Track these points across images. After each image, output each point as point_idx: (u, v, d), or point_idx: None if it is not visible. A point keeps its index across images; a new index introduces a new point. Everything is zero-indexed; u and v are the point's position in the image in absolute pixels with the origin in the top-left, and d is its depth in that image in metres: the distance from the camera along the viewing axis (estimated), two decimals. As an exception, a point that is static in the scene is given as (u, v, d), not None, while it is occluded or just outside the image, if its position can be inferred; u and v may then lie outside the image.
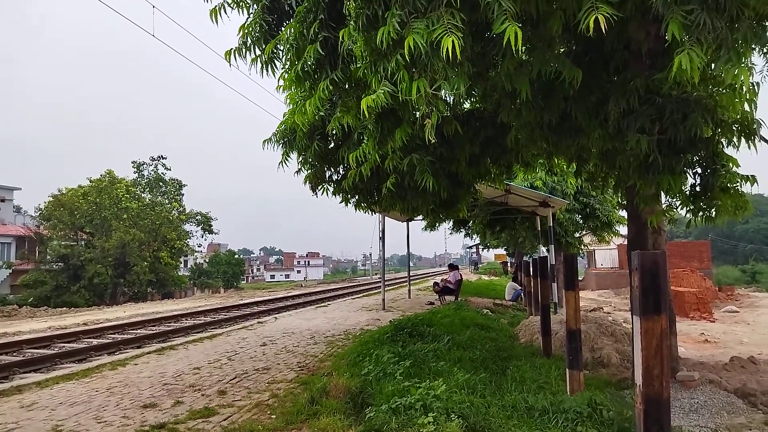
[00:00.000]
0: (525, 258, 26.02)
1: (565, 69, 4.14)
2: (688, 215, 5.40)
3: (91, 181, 46.16)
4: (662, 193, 5.46)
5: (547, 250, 15.46)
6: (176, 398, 5.89)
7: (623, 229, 19.99)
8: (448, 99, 5.21)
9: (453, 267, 19.18)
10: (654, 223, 5.80)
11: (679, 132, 4.46)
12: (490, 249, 44.35)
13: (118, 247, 42.02)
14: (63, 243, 43.32)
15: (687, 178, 5.18)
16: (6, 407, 5.71)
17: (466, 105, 6.64)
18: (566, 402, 5.21)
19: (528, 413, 5.16)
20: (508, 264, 51.96)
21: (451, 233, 25.35)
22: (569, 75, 4.14)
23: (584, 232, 21.15)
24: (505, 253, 49.39)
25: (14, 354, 11.27)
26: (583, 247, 23.37)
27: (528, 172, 9.49)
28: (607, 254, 42.62)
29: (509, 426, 4.87)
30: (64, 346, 12.14)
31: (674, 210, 5.88)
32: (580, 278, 40.56)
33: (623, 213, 17.28)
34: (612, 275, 37.39)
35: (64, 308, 34.25)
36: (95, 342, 12.67)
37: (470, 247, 79.36)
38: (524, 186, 15.04)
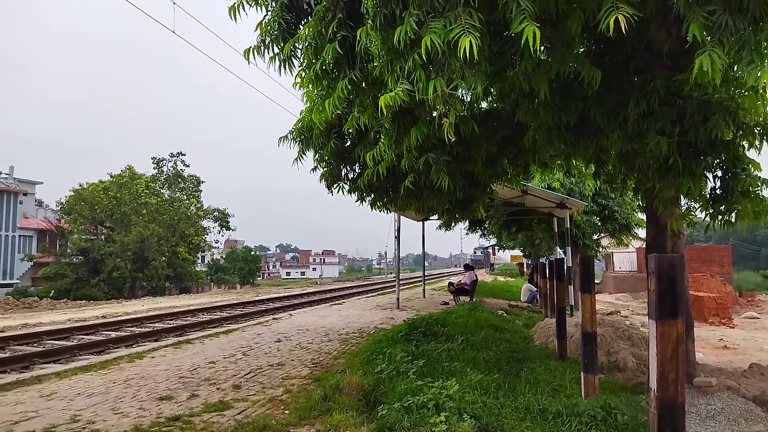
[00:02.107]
0: (542, 260, 25.81)
1: (585, 69, 4.10)
2: (707, 219, 5.32)
3: (111, 177, 46.89)
4: (682, 197, 5.38)
5: (564, 252, 15.33)
6: (192, 391, 5.97)
7: (642, 232, 19.73)
8: (465, 98, 5.20)
9: (468, 267, 19.13)
10: (673, 227, 5.72)
11: (700, 134, 4.39)
12: (506, 250, 44.16)
13: (137, 241, 42.64)
14: (83, 237, 44.11)
15: (707, 182, 5.10)
16: (26, 396, 5.84)
17: (484, 104, 6.62)
18: (580, 405, 5.16)
19: (541, 415, 5.13)
20: (524, 265, 51.68)
21: (467, 233, 25.27)
22: (588, 75, 4.10)
23: (602, 235, 20.91)
24: (521, 254, 49.13)
25: (35, 345, 11.50)
26: (601, 250, 23.10)
27: (545, 173, 9.41)
28: (625, 257, 42.10)
29: (522, 428, 4.85)
30: (83, 338, 12.36)
31: (694, 213, 5.80)
32: (597, 281, 40.18)
33: (642, 216, 17.07)
34: (630, 279, 36.92)
35: (84, 301, 34.89)
36: (113, 334, 12.88)
37: (484, 248, 78.77)
38: (541, 187, 14.92)
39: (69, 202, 44.67)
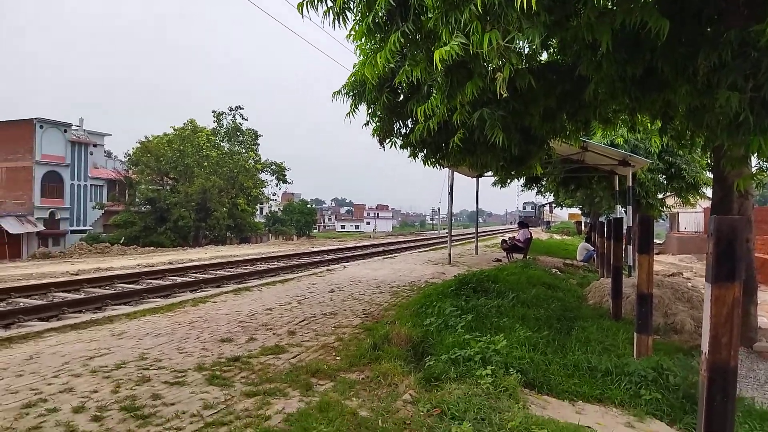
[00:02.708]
0: (601, 218, 25.06)
1: (652, 19, 3.85)
2: (780, 180, 5.00)
3: (175, 130, 48.55)
4: (752, 156, 5.07)
5: (625, 211, 14.81)
6: (250, 335, 6.32)
7: (711, 192, 18.73)
8: (524, 50, 5.02)
9: (523, 224, 18.84)
10: (741, 187, 5.42)
11: (775, 89, 4.08)
12: (564, 208, 43.07)
13: (199, 192, 44.40)
14: (150, 187, 46.39)
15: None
16: (99, 335, 6.35)
17: (544, 56, 6.35)
18: (631, 365, 5.13)
19: (590, 373, 5.14)
20: (582, 224, 50.37)
21: (522, 190, 24.78)
22: (656, 25, 3.85)
23: (668, 194, 20.00)
24: (579, 212, 47.82)
25: (107, 287, 12.37)
26: (665, 210, 22.12)
27: (608, 129, 9.01)
28: (691, 217, 40.15)
29: (569, 384, 4.89)
30: (151, 282, 13.18)
31: (764, 173, 5.46)
32: (660, 242, 38.73)
33: (711, 175, 16.18)
34: (695, 240, 35.31)
35: (152, 248, 36.95)
36: (179, 280, 13.66)
37: (536, 205, 75.26)
38: (603, 144, 14.32)
39: (136, 154, 46.84)
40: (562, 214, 75.75)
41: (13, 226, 41.86)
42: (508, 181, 17.40)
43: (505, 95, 3.88)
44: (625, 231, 12.66)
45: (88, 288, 12.09)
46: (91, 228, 49.03)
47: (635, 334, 5.72)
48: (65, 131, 48.12)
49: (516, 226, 26.50)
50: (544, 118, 6.54)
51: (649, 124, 9.26)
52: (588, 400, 4.70)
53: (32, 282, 12.86)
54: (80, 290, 11.83)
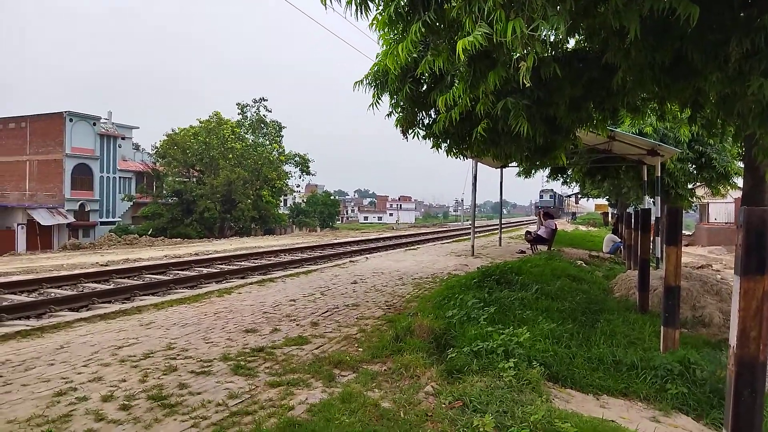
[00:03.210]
0: (629, 209, 24.61)
1: (681, 5, 3.74)
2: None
3: (200, 122, 49.18)
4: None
5: (654, 202, 14.51)
6: (274, 326, 6.40)
7: (742, 182, 18.19)
8: (550, 38, 4.93)
9: (548, 215, 18.60)
10: (774, 177, 5.25)
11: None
12: (590, 198, 42.40)
13: (224, 184, 44.97)
14: (177, 179, 47.17)
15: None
16: (128, 324, 6.50)
17: (571, 43, 6.23)
18: (657, 359, 5.05)
19: (615, 367, 5.08)
20: (609, 215, 49.53)
21: (547, 181, 24.49)
22: (685, 12, 3.73)
23: (698, 184, 19.52)
24: (606, 203, 47.01)
25: (135, 278, 12.64)
26: (695, 200, 21.59)
27: (636, 118, 8.81)
28: (721, 208, 39.18)
29: (594, 378, 4.84)
30: (178, 273, 13.42)
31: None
32: (689, 233, 37.91)
33: (742, 164, 15.73)
34: (726, 231, 34.50)
35: (178, 239, 37.64)
36: (205, 271, 13.88)
37: (555, 194, 70.20)
38: (631, 133, 14.01)
39: (163, 146, 47.62)
40: (588, 205, 74.03)
41: (44, 218, 43.03)
42: (533, 171, 17.17)
43: (529, 84, 3.82)
44: (653, 222, 12.44)
45: (117, 279, 12.36)
46: (120, 219, 50.14)
47: (662, 327, 5.62)
48: (94, 124, 49.16)
49: (534, 217, 26.08)
50: (570, 107, 6.42)
51: (678, 113, 9.04)
52: (613, 394, 4.65)
53: (63, 273, 13.21)
54: (109, 281, 12.10)
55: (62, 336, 5.90)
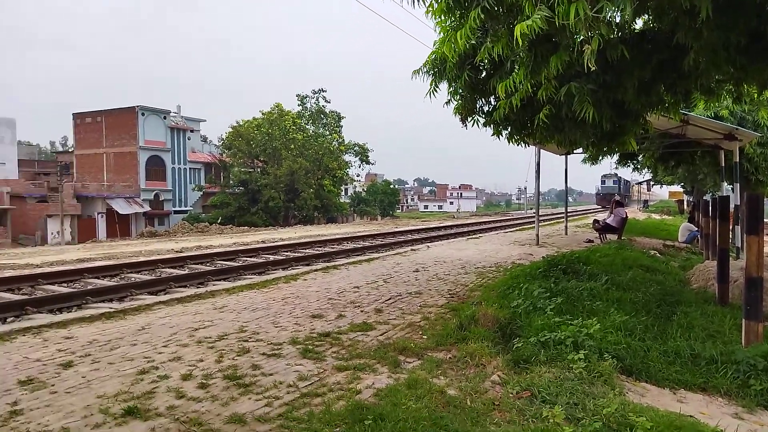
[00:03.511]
0: (705, 197, 23.28)
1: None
2: None
3: (263, 114, 50.54)
4: None
5: (732, 189, 13.66)
6: (339, 312, 6.54)
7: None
8: (615, 19, 4.72)
9: (618, 203, 17.89)
10: None
11: None
12: (664, 185, 40.41)
13: (287, 174, 46.15)
14: (242, 170, 48.83)
15: None
16: (203, 308, 6.83)
17: (638, 24, 5.94)
18: (739, 353, 4.80)
19: (693, 361, 4.86)
20: (685, 202, 46.99)
21: (616, 167, 23.54)
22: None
23: (781, 169, 18.18)
24: (681, 190, 44.64)
25: (208, 264, 13.23)
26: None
27: (711, 100, 8.31)
28: (809, 195, 36.30)
29: (670, 371, 4.66)
30: (246, 260, 13.94)
31: None
32: (770, 221, 35.39)
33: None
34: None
35: (246, 227, 39.02)
36: (272, 258, 14.35)
37: (619, 179, 62.83)
38: (706, 116, 13.21)
39: (228, 138, 49.42)
40: (662, 192, 70.20)
41: (122, 207, 45.79)
42: (600, 158, 16.57)
43: (595, 68, 3.69)
44: (732, 210, 11.75)
45: (192, 264, 12.99)
46: (191, 208, 52.58)
47: (743, 320, 5.32)
48: (165, 118, 51.63)
49: (596, 206, 24.90)
50: (639, 90, 6.13)
51: (756, 95, 8.44)
52: (690, 388, 4.46)
53: (141, 259, 14.03)
54: (184, 266, 12.75)
55: (143, 318, 6.28)
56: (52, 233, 40.63)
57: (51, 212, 41.35)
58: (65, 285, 10.26)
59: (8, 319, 7.66)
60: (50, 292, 9.47)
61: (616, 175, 62.94)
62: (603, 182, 65.68)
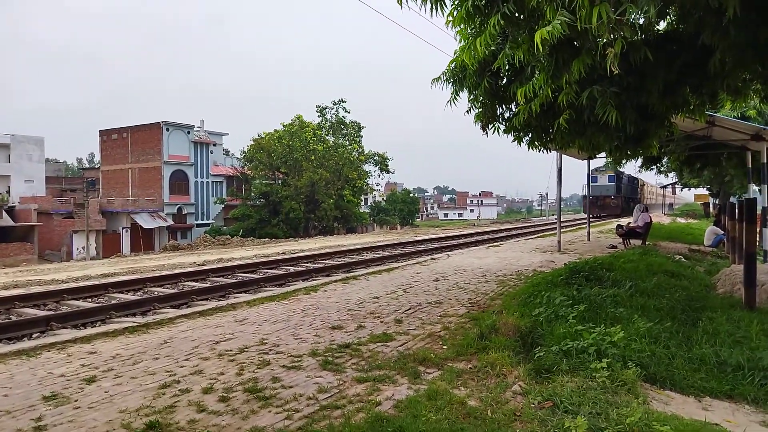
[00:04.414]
0: (732, 199, 22.76)
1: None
2: None
3: (284, 126, 51.06)
4: None
5: (760, 191, 13.33)
6: (359, 323, 6.52)
7: None
8: (639, 21, 4.66)
9: (643, 208, 17.58)
10: None
11: None
12: (689, 188, 39.63)
13: (308, 185, 46.46)
14: (264, 182, 49.31)
15: None
16: (224, 321, 6.88)
17: (661, 25, 5.85)
18: (766, 359, 4.65)
19: (719, 368, 4.74)
20: (710, 205, 45.97)
21: (639, 171, 23.15)
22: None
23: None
24: (707, 193, 43.72)
25: (229, 277, 13.32)
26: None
27: (738, 100, 8.13)
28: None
29: (695, 379, 4.55)
30: (267, 272, 13.99)
31: None
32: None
33: None
34: None
35: (266, 239, 39.28)
36: (292, 269, 14.38)
37: (624, 174, 45.61)
38: (733, 117, 12.94)
39: (250, 151, 50.00)
40: (687, 195, 68.59)
41: (146, 222, 46.52)
42: (623, 162, 16.34)
43: (618, 71, 3.64)
44: (759, 212, 11.44)
45: (213, 277, 13.09)
46: (213, 221, 53.23)
47: (774, 326, 5.17)
48: (188, 132, 52.49)
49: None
50: (663, 92, 6.04)
51: (786, 94, 8.22)
52: (716, 395, 4.34)
53: (164, 272, 14.18)
54: (206, 279, 12.85)
55: (165, 331, 6.34)
56: (77, 249, 41.45)
57: (77, 228, 42.21)
58: (90, 300, 10.43)
59: (33, 335, 7.79)
60: (75, 308, 9.62)
61: (622, 172, 44.03)
62: (594, 179, 40.30)
